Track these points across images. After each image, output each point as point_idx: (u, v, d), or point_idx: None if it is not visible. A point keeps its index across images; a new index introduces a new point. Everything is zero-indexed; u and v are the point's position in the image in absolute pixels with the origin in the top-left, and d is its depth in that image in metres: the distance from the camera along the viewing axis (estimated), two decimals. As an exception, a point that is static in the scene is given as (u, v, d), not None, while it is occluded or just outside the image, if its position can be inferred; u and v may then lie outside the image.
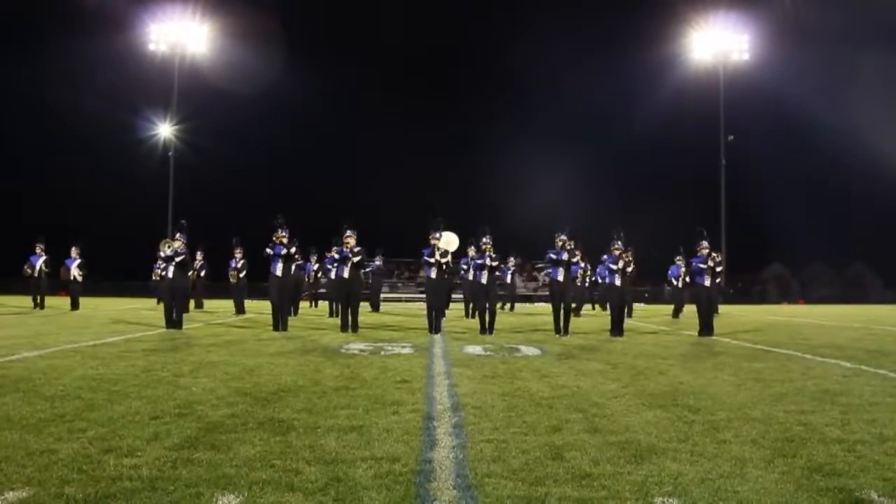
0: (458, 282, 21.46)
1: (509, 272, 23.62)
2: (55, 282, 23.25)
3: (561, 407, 5.72)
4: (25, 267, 21.93)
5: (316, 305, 23.70)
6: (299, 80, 46.13)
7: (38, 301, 21.57)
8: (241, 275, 20.31)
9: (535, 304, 37.98)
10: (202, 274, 22.64)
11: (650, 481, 3.73)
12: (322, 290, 23.38)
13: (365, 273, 19.27)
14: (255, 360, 8.68)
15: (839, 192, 46.08)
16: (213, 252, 26.15)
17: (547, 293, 19.18)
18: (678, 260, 21.30)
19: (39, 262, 21.85)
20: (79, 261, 21.92)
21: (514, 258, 24.60)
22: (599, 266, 23.07)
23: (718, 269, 14.18)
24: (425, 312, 14.82)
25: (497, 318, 14.61)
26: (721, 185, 48.63)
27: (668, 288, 25.07)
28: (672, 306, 22.21)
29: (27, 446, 4.23)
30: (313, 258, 22.58)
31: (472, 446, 4.39)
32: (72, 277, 21.88)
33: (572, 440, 4.59)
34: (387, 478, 3.71)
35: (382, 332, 14.35)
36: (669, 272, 22.00)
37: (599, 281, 23.73)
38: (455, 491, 3.53)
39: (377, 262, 23.49)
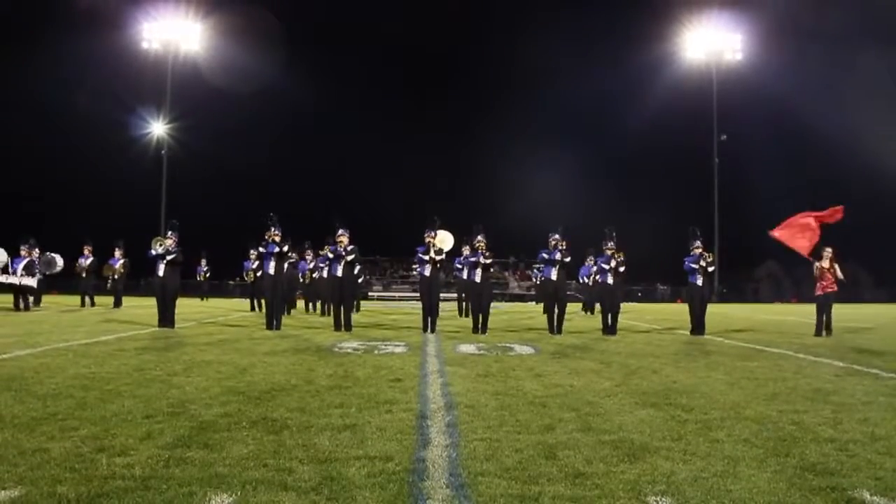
0: (452, 280, 21.38)
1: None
2: (100, 282, 24.58)
3: (554, 406, 5.73)
4: (75, 264, 23.32)
5: (313, 307, 23.28)
6: (295, 79, 46.01)
7: (86, 300, 23.17)
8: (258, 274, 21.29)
9: (528, 302, 38.06)
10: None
11: (643, 480, 3.74)
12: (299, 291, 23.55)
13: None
14: (248, 358, 8.67)
15: (832, 191, 46.05)
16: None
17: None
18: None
19: (86, 263, 23.19)
20: (122, 260, 23.32)
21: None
22: (583, 266, 23.28)
23: (710, 268, 14.21)
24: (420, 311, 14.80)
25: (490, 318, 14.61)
26: (714, 184, 48.82)
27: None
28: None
29: (19, 445, 4.21)
30: (308, 256, 22.25)
31: (466, 445, 4.39)
32: (115, 276, 23.30)
33: (565, 439, 4.59)
34: (380, 476, 3.71)
35: (376, 330, 14.34)
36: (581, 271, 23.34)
37: (582, 281, 23.98)
38: (448, 490, 3.53)
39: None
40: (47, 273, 22.46)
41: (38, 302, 22.10)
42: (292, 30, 48.26)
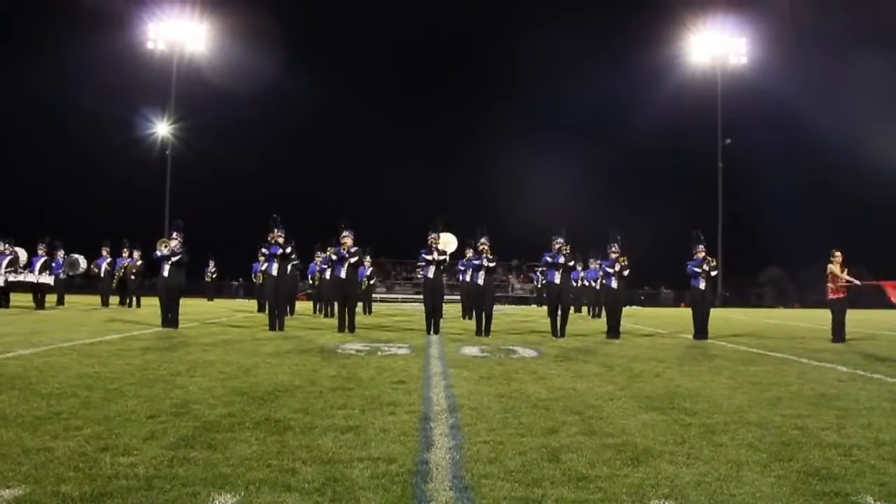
0: (457, 283, 21.38)
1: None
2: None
3: (557, 409, 5.73)
4: (92, 266, 23.82)
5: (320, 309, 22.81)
6: (298, 79, 46.09)
7: (105, 300, 23.55)
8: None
9: (531, 305, 38.04)
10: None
11: (646, 484, 3.73)
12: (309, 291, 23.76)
13: None
14: (252, 359, 8.67)
15: (837, 196, 46.03)
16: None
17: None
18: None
19: (104, 264, 23.75)
20: (140, 263, 23.77)
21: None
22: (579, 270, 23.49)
23: (713, 273, 14.17)
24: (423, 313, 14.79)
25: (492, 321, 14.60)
26: (718, 188, 48.74)
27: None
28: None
29: (23, 444, 4.22)
30: (318, 258, 22.04)
31: (469, 447, 4.39)
32: (131, 277, 23.91)
33: (569, 442, 4.59)
34: (383, 478, 3.71)
35: (379, 332, 14.34)
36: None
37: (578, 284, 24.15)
38: (451, 492, 3.53)
39: None
40: (71, 274, 22.95)
41: (59, 301, 22.51)
42: (296, 30, 48.40)
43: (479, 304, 14.52)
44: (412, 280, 48.46)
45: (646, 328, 17.64)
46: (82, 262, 23.25)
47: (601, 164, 50.77)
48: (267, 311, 14.90)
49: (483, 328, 13.83)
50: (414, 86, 56.59)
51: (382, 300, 41.22)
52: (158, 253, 13.92)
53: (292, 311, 20.00)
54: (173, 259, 13.84)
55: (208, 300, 31.38)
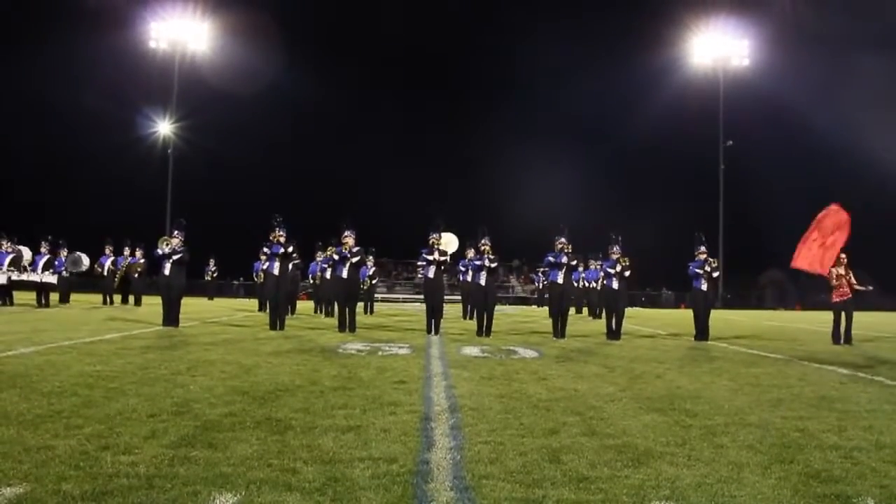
0: (457, 283, 21.36)
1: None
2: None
3: (558, 409, 5.72)
4: (95, 266, 23.83)
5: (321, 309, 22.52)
6: (299, 79, 46.10)
7: (108, 298, 23.63)
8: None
9: (531, 306, 38.03)
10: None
11: (647, 485, 3.73)
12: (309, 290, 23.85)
13: None
14: (253, 358, 8.67)
15: (838, 198, 45.77)
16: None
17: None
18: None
19: (108, 263, 23.87)
20: (143, 261, 23.78)
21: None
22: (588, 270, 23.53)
23: (715, 274, 14.17)
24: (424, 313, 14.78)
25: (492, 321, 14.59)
26: (720, 190, 48.74)
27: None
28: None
29: (24, 442, 4.22)
30: (320, 258, 21.93)
31: (469, 448, 4.39)
32: (135, 276, 23.93)
33: (569, 443, 4.59)
34: (384, 478, 3.71)
35: (380, 332, 14.34)
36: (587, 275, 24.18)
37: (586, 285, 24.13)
38: (452, 492, 3.53)
39: None
40: (73, 272, 23.00)
41: (64, 300, 22.61)
42: (298, 30, 48.44)
43: (480, 304, 14.52)
44: (413, 280, 48.45)
45: (647, 329, 17.63)
46: (85, 260, 23.27)
47: (602, 165, 50.77)
48: (268, 311, 14.91)
49: (484, 328, 13.83)
50: (414, 85, 56.60)
51: (383, 300, 41.23)
52: (160, 251, 13.93)
53: (293, 311, 20.01)
54: (174, 258, 13.85)
55: (209, 299, 31.46)
